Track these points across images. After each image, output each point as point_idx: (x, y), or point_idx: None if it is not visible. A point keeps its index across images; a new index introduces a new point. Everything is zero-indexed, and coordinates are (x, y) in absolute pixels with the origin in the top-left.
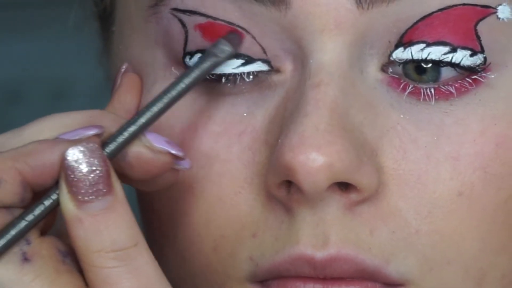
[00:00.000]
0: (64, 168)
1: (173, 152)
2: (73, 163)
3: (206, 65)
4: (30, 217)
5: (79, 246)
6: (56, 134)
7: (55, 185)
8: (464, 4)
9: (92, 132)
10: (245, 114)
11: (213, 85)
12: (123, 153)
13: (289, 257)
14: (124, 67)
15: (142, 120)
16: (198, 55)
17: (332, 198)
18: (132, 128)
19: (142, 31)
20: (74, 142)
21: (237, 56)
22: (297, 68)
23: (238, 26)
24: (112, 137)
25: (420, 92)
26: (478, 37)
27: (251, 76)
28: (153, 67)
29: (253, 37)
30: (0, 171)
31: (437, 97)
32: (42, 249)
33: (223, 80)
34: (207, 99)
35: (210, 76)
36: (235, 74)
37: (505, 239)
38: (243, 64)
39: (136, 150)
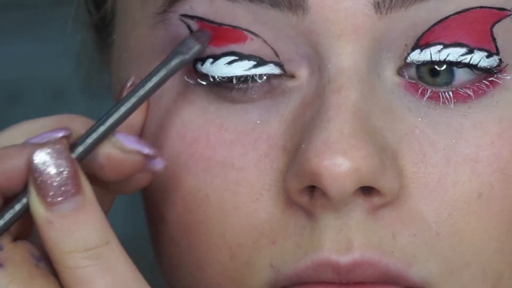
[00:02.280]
0: (31, 171)
1: (144, 151)
2: (40, 166)
3: (173, 63)
4: (0, 223)
5: (51, 248)
6: (25, 140)
7: (25, 189)
8: (481, 7)
9: (59, 134)
10: (258, 122)
11: (224, 92)
12: (93, 154)
13: (313, 263)
14: (130, 81)
15: (110, 120)
16: (210, 60)
17: (356, 202)
18: (100, 129)
19: (149, 39)
20: (42, 145)
21: (248, 58)
22: (313, 73)
23: (247, 30)
24: (81, 139)
25: (439, 96)
26: (494, 39)
27: (264, 77)
28: None
29: (264, 41)
30: None
31: (455, 100)
32: (15, 254)
33: (234, 81)
34: (217, 107)
35: (221, 78)
36: (246, 76)
37: None
38: (254, 66)
39: (106, 151)
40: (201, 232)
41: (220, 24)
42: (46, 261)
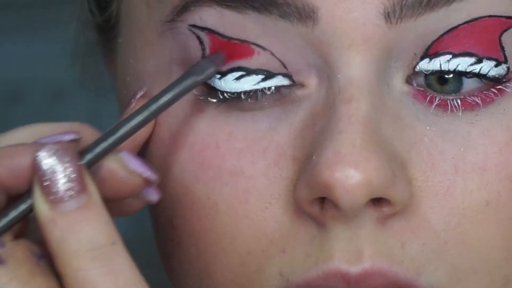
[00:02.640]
0: (36, 169)
1: (145, 174)
2: (44, 163)
3: (187, 83)
4: (4, 221)
5: (55, 248)
6: (34, 141)
7: (30, 189)
8: (490, 16)
9: (68, 137)
10: (267, 130)
11: (234, 101)
12: (98, 167)
13: (323, 273)
14: (142, 92)
15: (120, 132)
16: (218, 76)
17: (366, 213)
18: (110, 140)
19: (156, 45)
20: (47, 144)
21: (256, 72)
22: (322, 82)
23: (255, 44)
24: (90, 147)
25: (447, 103)
26: (502, 48)
27: (273, 89)
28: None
29: (272, 54)
30: None
31: (463, 108)
32: (16, 252)
33: (243, 96)
34: (227, 115)
35: (230, 95)
36: (256, 90)
37: None
38: (263, 80)
39: (111, 166)
40: (211, 239)
41: (230, 39)
42: (47, 259)
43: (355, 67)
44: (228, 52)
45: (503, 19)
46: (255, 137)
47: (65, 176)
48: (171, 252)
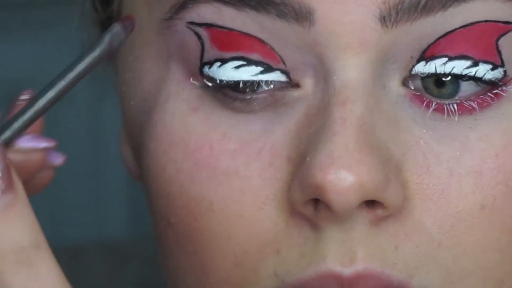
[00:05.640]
0: None
1: (40, 146)
2: None
3: (95, 53)
4: None
5: None
6: None
7: None
8: (486, 21)
9: None
10: (261, 132)
11: (227, 101)
12: None
13: (317, 274)
14: (26, 94)
15: (26, 116)
16: (218, 63)
17: (359, 215)
18: (15, 125)
19: (155, 43)
20: None
21: (256, 63)
22: (318, 83)
23: (256, 37)
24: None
25: (444, 108)
26: (499, 52)
27: (271, 85)
28: (166, 82)
29: (272, 48)
30: None
31: (459, 112)
32: None
33: (241, 85)
34: (220, 115)
35: (227, 81)
36: (252, 82)
37: None
38: (261, 72)
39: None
40: (206, 238)
41: (231, 29)
42: None
43: (350, 69)
44: (229, 42)
45: (501, 24)
46: (248, 138)
47: None
48: (169, 248)
